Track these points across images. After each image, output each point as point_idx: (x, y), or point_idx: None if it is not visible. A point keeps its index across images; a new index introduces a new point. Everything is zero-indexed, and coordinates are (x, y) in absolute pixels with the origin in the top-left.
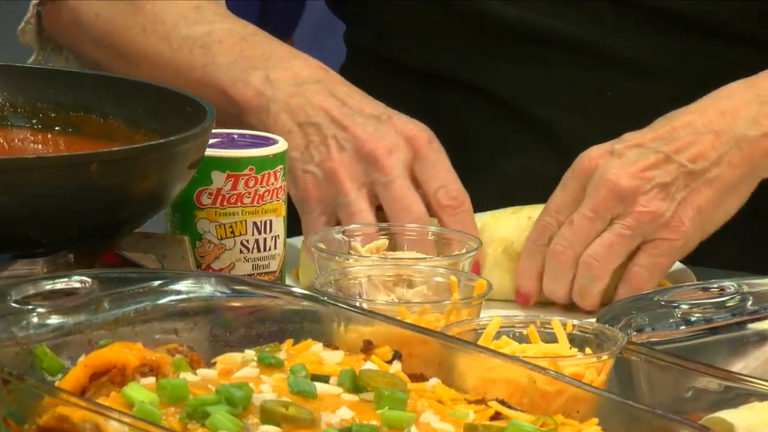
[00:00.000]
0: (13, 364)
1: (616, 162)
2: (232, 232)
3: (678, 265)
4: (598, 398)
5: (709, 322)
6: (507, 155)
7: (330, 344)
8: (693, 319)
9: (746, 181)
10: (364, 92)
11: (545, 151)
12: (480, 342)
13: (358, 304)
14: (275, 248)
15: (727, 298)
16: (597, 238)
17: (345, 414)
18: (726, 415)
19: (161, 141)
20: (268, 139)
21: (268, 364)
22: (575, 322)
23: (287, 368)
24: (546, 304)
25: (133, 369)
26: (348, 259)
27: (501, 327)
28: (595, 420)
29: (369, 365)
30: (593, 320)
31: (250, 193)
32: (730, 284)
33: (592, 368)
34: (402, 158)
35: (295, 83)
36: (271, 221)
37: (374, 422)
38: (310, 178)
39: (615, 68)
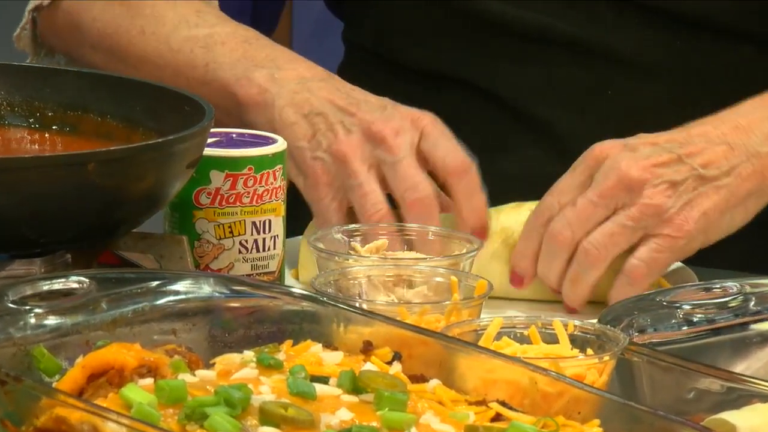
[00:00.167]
0: (11, 365)
1: (628, 154)
2: (231, 232)
3: (678, 264)
4: (600, 399)
5: (711, 322)
6: (507, 154)
7: (329, 345)
8: (695, 319)
9: (754, 197)
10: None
11: (545, 151)
12: (481, 343)
13: (357, 304)
14: (274, 248)
15: (730, 298)
16: (598, 226)
17: (344, 415)
18: (728, 416)
19: (159, 140)
20: (268, 138)
21: (267, 365)
22: (577, 322)
23: (286, 369)
24: (544, 302)
25: (131, 370)
26: (347, 259)
27: (502, 328)
28: (597, 421)
29: (369, 366)
30: (595, 321)
31: (249, 193)
32: (732, 285)
33: (593, 369)
34: (409, 139)
35: (299, 81)
36: (270, 221)
37: (374, 423)
38: (319, 164)
39: (615, 67)
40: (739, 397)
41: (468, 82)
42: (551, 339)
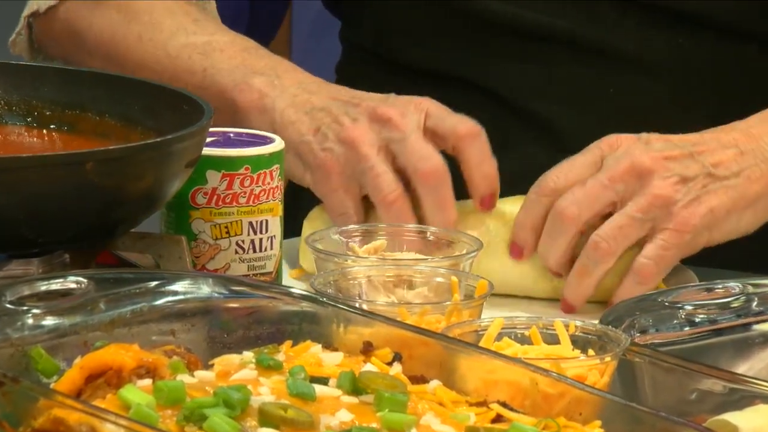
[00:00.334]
0: (8, 365)
1: (642, 146)
2: (228, 232)
3: (678, 265)
4: (601, 400)
5: (713, 323)
6: (507, 152)
7: (329, 346)
8: (697, 320)
9: (763, 201)
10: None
11: (546, 149)
12: (481, 343)
13: (357, 305)
14: (271, 249)
15: (732, 299)
16: (606, 217)
17: (344, 416)
18: (730, 417)
19: (158, 139)
20: (265, 137)
21: (267, 366)
22: (578, 323)
23: (286, 370)
24: (545, 302)
25: (129, 371)
26: (346, 260)
27: (503, 328)
28: (598, 422)
29: (369, 367)
30: (596, 321)
31: (245, 193)
32: (734, 285)
33: (595, 370)
34: (415, 119)
35: (299, 85)
36: (267, 221)
37: (374, 425)
38: (328, 154)
39: (616, 65)
40: (742, 398)
41: (468, 81)
42: (552, 340)
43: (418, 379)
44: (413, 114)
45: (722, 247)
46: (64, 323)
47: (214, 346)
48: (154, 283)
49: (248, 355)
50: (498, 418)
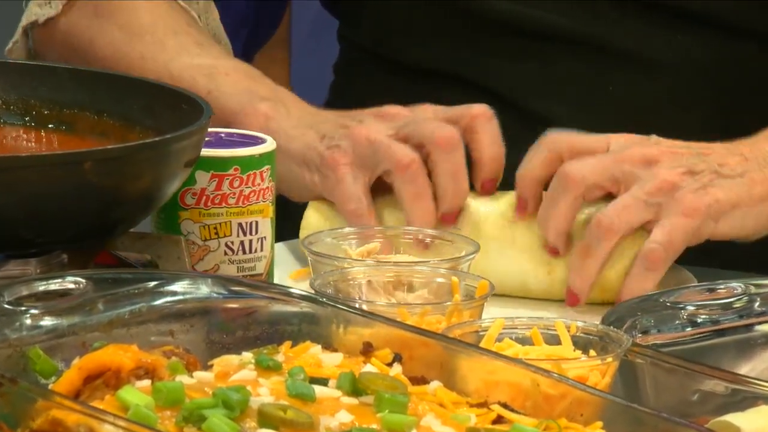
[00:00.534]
0: (6, 366)
1: (652, 143)
2: (217, 233)
3: (675, 265)
4: (603, 401)
5: (715, 323)
6: (507, 150)
7: (329, 346)
8: (699, 320)
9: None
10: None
11: None
12: (482, 344)
13: (357, 305)
14: (261, 250)
15: (734, 299)
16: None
17: (344, 417)
18: (733, 418)
19: (156, 139)
20: (257, 138)
21: (266, 367)
22: (579, 323)
23: (285, 371)
24: (545, 302)
25: (128, 372)
26: (342, 263)
27: (503, 329)
28: (600, 423)
29: (369, 368)
30: (597, 322)
31: (235, 194)
32: (737, 285)
33: (596, 371)
34: (423, 110)
35: (305, 110)
36: (257, 222)
37: (374, 426)
38: (335, 150)
39: (615, 63)
40: (744, 399)
41: (467, 80)
42: (553, 340)
43: (419, 380)
44: (421, 109)
45: (722, 247)
46: (63, 324)
47: (213, 346)
48: (152, 284)
49: (247, 355)
50: (499, 419)
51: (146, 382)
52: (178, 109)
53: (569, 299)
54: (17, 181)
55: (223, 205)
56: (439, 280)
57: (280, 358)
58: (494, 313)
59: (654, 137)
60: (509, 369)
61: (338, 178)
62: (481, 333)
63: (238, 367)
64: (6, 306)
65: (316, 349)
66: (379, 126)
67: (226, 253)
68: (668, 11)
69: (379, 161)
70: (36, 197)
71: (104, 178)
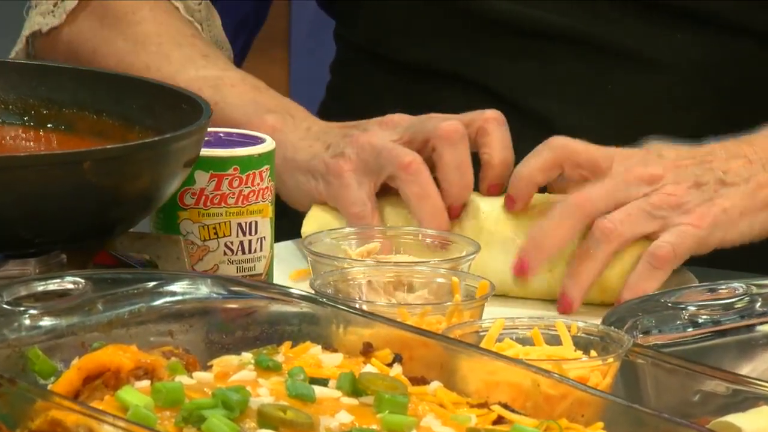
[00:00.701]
0: (5, 367)
1: (654, 157)
2: (216, 233)
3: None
4: (604, 402)
5: (716, 324)
6: None
7: (329, 347)
8: (700, 321)
9: None
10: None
11: None
12: (482, 344)
13: (357, 305)
14: (261, 250)
15: (736, 299)
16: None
17: (344, 418)
18: (734, 419)
19: (156, 139)
20: (256, 138)
21: (266, 367)
22: (580, 324)
23: (285, 371)
24: (545, 302)
25: (127, 372)
26: (342, 263)
27: (504, 329)
28: (601, 424)
29: (369, 368)
30: (598, 322)
31: (234, 194)
32: (738, 285)
33: (597, 371)
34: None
35: (310, 122)
36: (256, 222)
37: (374, 426)
38: (340, 159)
39: (615, 62)
40: (745, 399)
41: (466, 79)
42: (554, 341)
43: (419, 381)
44: (427, 117)
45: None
46: (62, 324)
47: (212, 347)
48: (152, 284)
49: (247, 356)
50: (499, 420)
51: (145, 383)
52: (178, 109)
53: (562, 305)
54: (16, 181)
55: (223, 205)
56: (440, 280)
57: (279, 358)
58: (495, 313)
59: (655, 147)
60: (510, 369)
61: (343, 184)
62: (482, 333)
63: (238, 368)
64: (5, 306)
65: (316, 349)
66: (383, 133)
67: (225, 253)
68: (668, 11)
69: (382, 165)
70: (35, 197)
71: (103, 178)
